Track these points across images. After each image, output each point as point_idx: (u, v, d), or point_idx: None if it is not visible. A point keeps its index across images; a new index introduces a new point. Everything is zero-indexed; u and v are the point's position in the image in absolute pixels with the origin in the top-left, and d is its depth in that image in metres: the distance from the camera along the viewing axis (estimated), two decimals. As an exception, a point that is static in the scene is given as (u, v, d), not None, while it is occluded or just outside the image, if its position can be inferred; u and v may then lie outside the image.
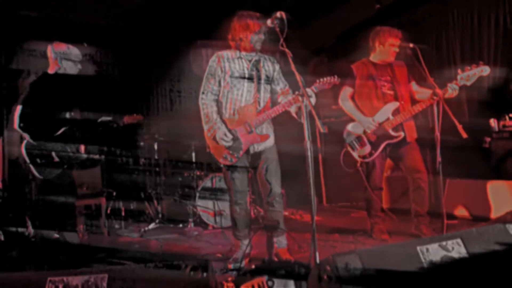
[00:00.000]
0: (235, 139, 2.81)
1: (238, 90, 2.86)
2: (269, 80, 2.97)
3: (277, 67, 3.00)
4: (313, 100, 2.65)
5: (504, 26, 4.17)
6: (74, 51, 3.31)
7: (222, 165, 2.89)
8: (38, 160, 3.13)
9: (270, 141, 2.93)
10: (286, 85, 3.01)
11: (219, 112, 2.88)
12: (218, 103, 2.90)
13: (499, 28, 4.22)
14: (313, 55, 6.41)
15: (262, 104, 2.90)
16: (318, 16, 5.45)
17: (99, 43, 5.38)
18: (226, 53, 2.91)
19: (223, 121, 2.84)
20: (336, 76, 2.68)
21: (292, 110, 2.79)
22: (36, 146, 3.12)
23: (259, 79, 2.89)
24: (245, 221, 2.95)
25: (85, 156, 3.44)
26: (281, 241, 2.96)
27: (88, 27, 5.15)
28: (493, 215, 3.58)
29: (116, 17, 5.21)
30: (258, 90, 2.88)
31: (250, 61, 2.90)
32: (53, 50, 3.26)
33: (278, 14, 2.60)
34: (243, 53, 2.89)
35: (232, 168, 2.86)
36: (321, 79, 2.70)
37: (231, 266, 2.70)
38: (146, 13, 5.26)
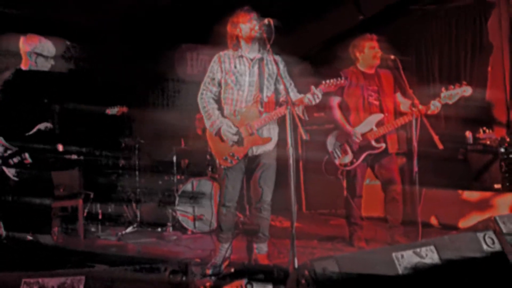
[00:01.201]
0: (239, 133, 2.75)
1: (238, 90, 2.81)
2: (273, 79, 2.90)
3: (281, 65, 2.91)
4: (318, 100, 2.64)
5: (480, 41, 4.34)
6: (47, 45, 3.15)
7: (221, 166, 2.82)
8: (11, 162, 3.04)
9: (271, 145, 2.87)
10: (291, 84, 2.94)
11: (220, 110, 2.84)
12: (218, 102, 2.86)
13: (475, 42, 4.39)
14: (297, 62, 6.49)
15: (264, 105, 2.82)
16: (303, 24, 5.53)
17: (81, 42, 5.32)
18: (227, 53, 2.87)
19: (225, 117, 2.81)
20: (343, 78, 2.63)
21: (298, 110, 2.70)
22: (8, 147, 3.03)
23: (261, 78, 2.83)
24: (230, 225, 2.92)
25: (61, 157, 3.34)
26: (261, 248, 2.97)
27: (70, 27, 5.09)
28: (465, 224, 3.70)
29: (101, 18, 5.16)
30: (261, 90, 2.81)
31: (252, 59, 2.84)
32: (25, 42, 3.10)
33: (265, 20, 2.63)
34: (245, 51, 2.84)
35: (229, 170, 2.81)
36: (327, 81, 2.62)
37: (209, 271, 2.69)
38: (131, 15, 5.22)
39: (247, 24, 2.77)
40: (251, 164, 2.88)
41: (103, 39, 5.42)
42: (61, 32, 5.04)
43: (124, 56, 5.64)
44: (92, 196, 4.56)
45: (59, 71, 3.36)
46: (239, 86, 2.81)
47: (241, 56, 2.84)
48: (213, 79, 2.85)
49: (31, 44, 3.11)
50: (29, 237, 3.44)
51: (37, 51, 3.10)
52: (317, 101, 2.63)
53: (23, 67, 3.14)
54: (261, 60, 2.86)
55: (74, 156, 4.58)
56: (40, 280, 1.51)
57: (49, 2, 4.68)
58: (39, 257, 3.11)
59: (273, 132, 2.88)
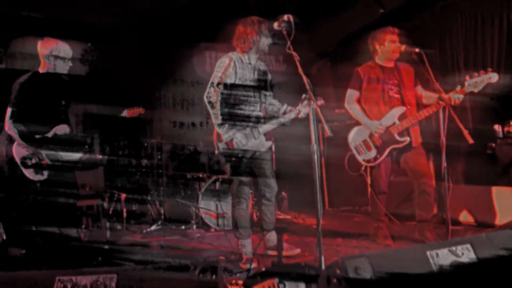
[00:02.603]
0: (248, 142, 2.92)
1: (248, 96, 2.95)
2: (268, 86, 3.12)
3: (269, 74, 3.13)
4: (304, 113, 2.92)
5: (508, 31, 4.18)
6: (64, 48, 3.19)
7: (228, 165, 2.97)
8: (29, 162, 3.10)
9: (269, 142, 3.08)
10: (271, 95, 3.16)
11: (230, 115, 2.93)
12: (228, 106, 2.93)
13: (502, 33, 4.23)
14: (317, 59, 6.43)
15: (269, 110, 3.08)
16: (322, 20, 5.47)
17: (100, 43, 5.39)
18: (238, 57, 2.96)
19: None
20: (321, 98, 2.89)
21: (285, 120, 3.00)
22: (27, 148, 3.08)
23: (260, 85, 3.02)
24: (247, 221, 3.04)
25: (79, 155, 3.37)
26: (272, 240, 3.04)
27: (89, 28, 5.16)
28: (498, 221, 3.58)
29: (120, 17, 5.22)
30: (265, 97, 3.05)
31: (255, 67, 3.01)
32: (42, 46, 3.14)
33: (285, 17, 2.63)
34: (252, 57, 2.98)
35: (237, 167, 2.95)
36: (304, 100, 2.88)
37: (247, 266, 2.73)
38: (151, 14, 5.27)
39: (267, 39, 2.93)
40: (256, 161, 3.02)
41: (122, 40, 5.49)
42: (80, 33, 5.15)
43: (143, 56, 5.69)
44: (116, 195, 4.62)
45: (78, 74, 3.40)
46: (248, 92, 2.95)
47: (249, 63, 2.98)
48: (224, 79, 2.90)
49: (48, 47, 3.15)
50: (57, 236, 3.54)
51: (54, 54, 3.14)
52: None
53: (41, 70, 3.19)
54: (260, 67, 3.05)
55: (99, 156, 4.67)
56: (73, 278, 1.54)
57: (68, 4, 4.77)
58: (67, 255, 3.18)
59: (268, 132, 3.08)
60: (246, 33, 2.90)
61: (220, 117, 2.86)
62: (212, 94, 2.87)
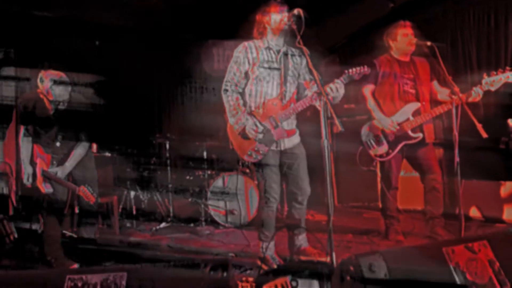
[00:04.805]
0: (266, 131, 2.70)
1: (267, 82, 2.75)
2: (297, 74, 2.86)
3: (304, 60, 2.84)
4: (341, 91, 2.55)
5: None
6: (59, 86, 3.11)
7: (249, 163, 2.78)
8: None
9: (297, 137, 2.85)
10: (312, 79, 2.87)
11: (245, 105, 2.78)
12: (243, 95, 2.79)
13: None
14: (325, 54, 6.38)
15: (287, 98, 2.78)
16: (331, 16, 5.41)
17: (109, 42, 5.41)
18: (254, 43, 2.79)
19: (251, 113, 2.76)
20: (366, 66, 2.55)
21: (317, 104, 2.61)
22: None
23: (286, 72, 2.79)
24: (273, 224, 2.83)
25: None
26: (304, 240, 2.90)
27: (99, 26, 5.18)
28: (506, 216, 3.53)
29: (128, 17, 5.22)
30: (284, 83, 2.77)
31: (278, 52, 2.79)
32: (43, 78, 3.09)
33: (295, 11, 2.58)
34: (272, 42, 2.79)
35: (261, 165, 2.75)
36: (351, 69, 2.55)
37: (259, 262, 2.65)
38: (157, 13, 5.26)
39: (278, 15, 2.72)
40: (288, 158, 2.80)
41: (131, 38, 5.49)
42: (90, 33, 5.16)
43: (150, 55, 5.69)
44: (126, 192, 4.64)
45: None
46: (267, 79, 2.75)
47: (269, 48, 2.78)
48: (239, 70, 2.77)
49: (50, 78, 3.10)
50: (68, 233, 3.57)
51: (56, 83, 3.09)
52: (337, 93, 2.54)
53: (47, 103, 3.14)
54: (286, 53, 2.81)
55: (108, 154, 4.68)
56: (83, 276, 1.53)
57: (77, 4, 4.78)
58: (78, 252, 3.21)
59: (294, 125, 2.84)
60: (256, 19, 2.80)
61: (232, 113, 2.71)
62: (228, 86, 2.76)
